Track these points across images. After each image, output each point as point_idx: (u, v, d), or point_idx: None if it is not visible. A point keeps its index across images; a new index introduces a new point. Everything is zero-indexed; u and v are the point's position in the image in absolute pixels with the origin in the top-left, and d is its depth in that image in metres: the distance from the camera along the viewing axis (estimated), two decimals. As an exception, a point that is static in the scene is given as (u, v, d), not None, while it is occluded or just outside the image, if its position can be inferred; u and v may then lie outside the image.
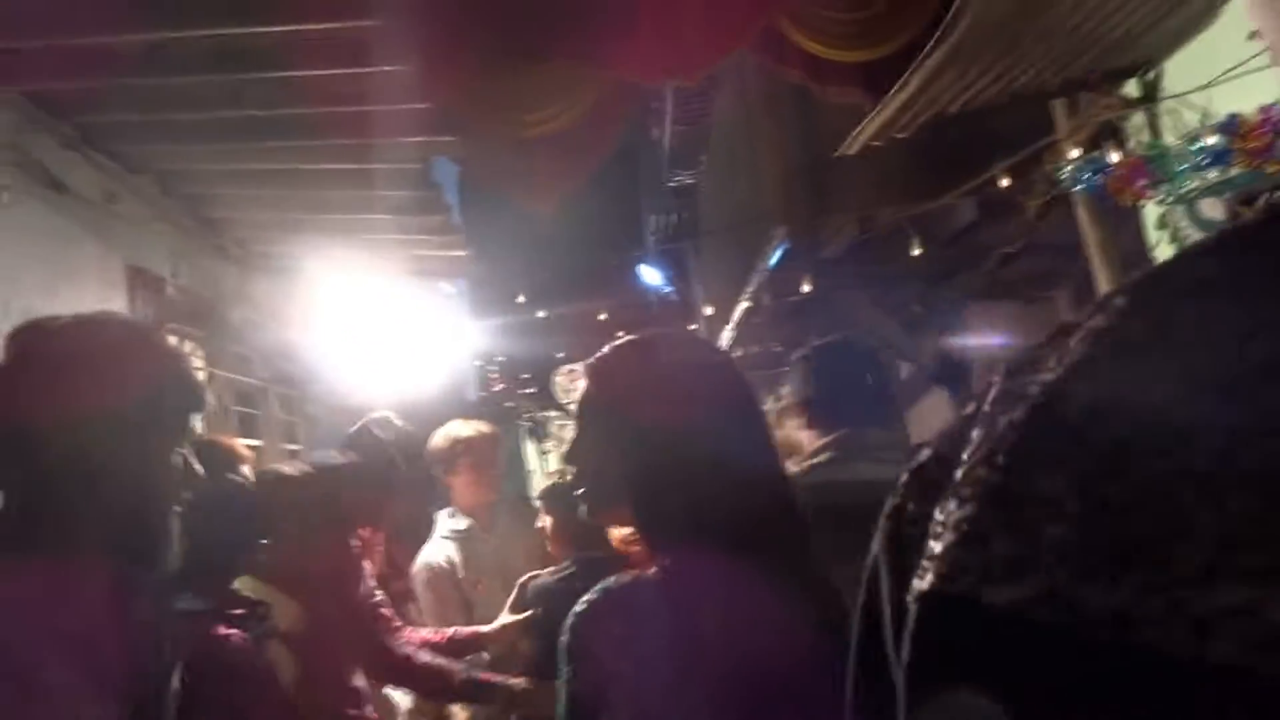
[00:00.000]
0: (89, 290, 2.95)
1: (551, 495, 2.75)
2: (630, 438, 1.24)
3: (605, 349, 1.37)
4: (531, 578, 2.62)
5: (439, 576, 2.87)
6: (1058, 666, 0.26)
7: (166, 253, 3.47)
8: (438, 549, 2.93)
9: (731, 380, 1.33)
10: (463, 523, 2.97)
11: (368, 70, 2.81)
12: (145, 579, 1.34)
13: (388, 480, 2.74)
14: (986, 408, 0.32)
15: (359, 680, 2.51)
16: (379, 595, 2.76)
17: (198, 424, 1.43)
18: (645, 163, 10.68)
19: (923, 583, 0.30)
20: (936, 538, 0.30)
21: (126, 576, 1.29)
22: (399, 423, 2.94)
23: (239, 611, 1.91)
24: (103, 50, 2.34)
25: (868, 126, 3.41)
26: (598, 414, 1.31)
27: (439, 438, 3.00)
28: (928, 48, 2.74)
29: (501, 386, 10.40)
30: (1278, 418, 0.24)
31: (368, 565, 2.87)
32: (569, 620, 1.16)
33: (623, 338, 1.39)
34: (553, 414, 12.99)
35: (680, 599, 1.15)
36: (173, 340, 2.61)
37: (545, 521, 2.77)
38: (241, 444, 2.20)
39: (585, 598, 1.17)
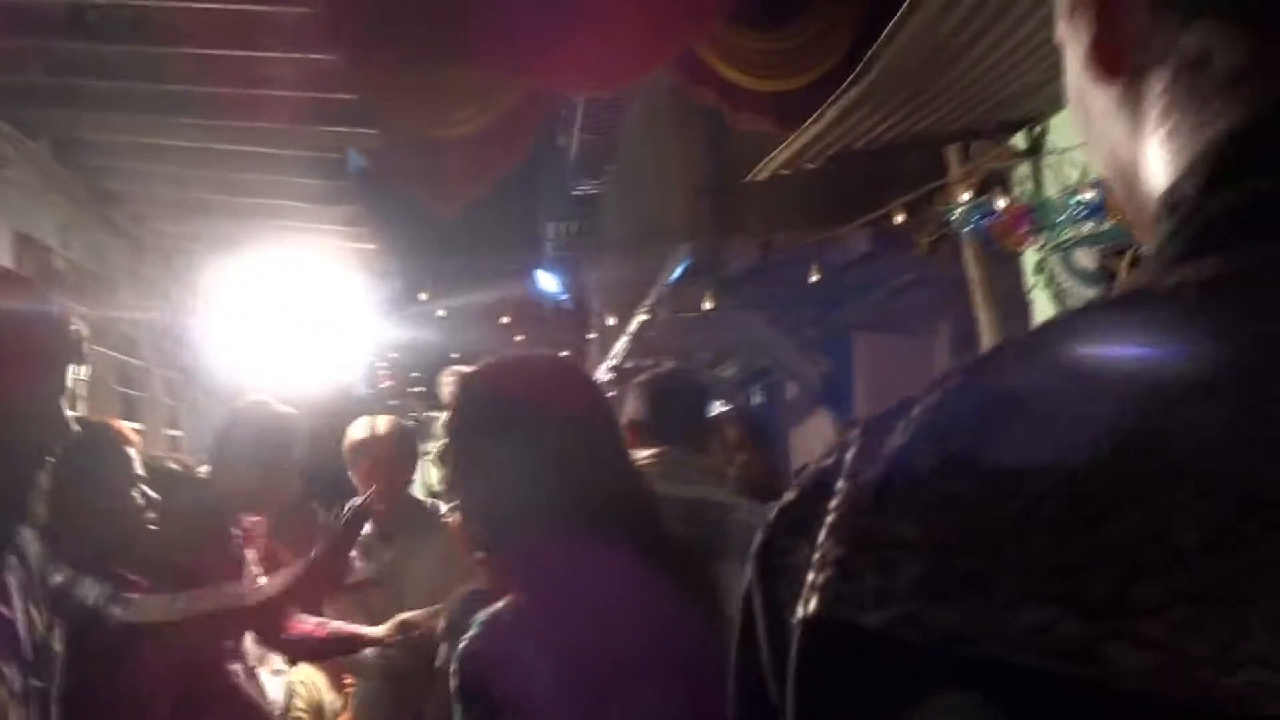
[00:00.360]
0: (-26, 257, 2.82)
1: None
2: (497, 459, 1.28)
3: (471, 370, 1.43)
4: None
5: None
6: (911, 675, 0.33)
7: (57, 223, 3.33)
8: None
9: (594, 401, 1.40)
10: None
11: (290, 56, 2.79)
12: (17, 536, 1.33)
13: (263, 468, 2.68)
14: (849, 461, 0.39)
15: (238, 665, 2.49)
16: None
17: (76, 381, 1.39)
18: (549, 169, 10.71)
19: (807, 609, 0.37)
20: (818, 570, 0.37)
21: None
22: (278, 408, 2.89)
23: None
24: (21, 9, 2.26)
25: (778, 156, 3.55)
26: (467, 439, 1.34)
27: (346, 435, 2.97)
28: (841, 88, 2.89)
29: (389, 383, 10.22)
30: (1064, 485, 0.33)
31: (252, 554, 2.82)
32: (456, 662, 1.20)
33: (489, 359, 1.46)
34: (436, 415, 12.84)
35: (555, 615, 1.21)
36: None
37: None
38: (129, 428, 2.15)
39: (467, 636, 1.21)
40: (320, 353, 5.20)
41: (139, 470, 2.01)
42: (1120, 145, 0.44)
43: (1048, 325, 0.40)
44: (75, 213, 3.46)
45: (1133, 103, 0.42)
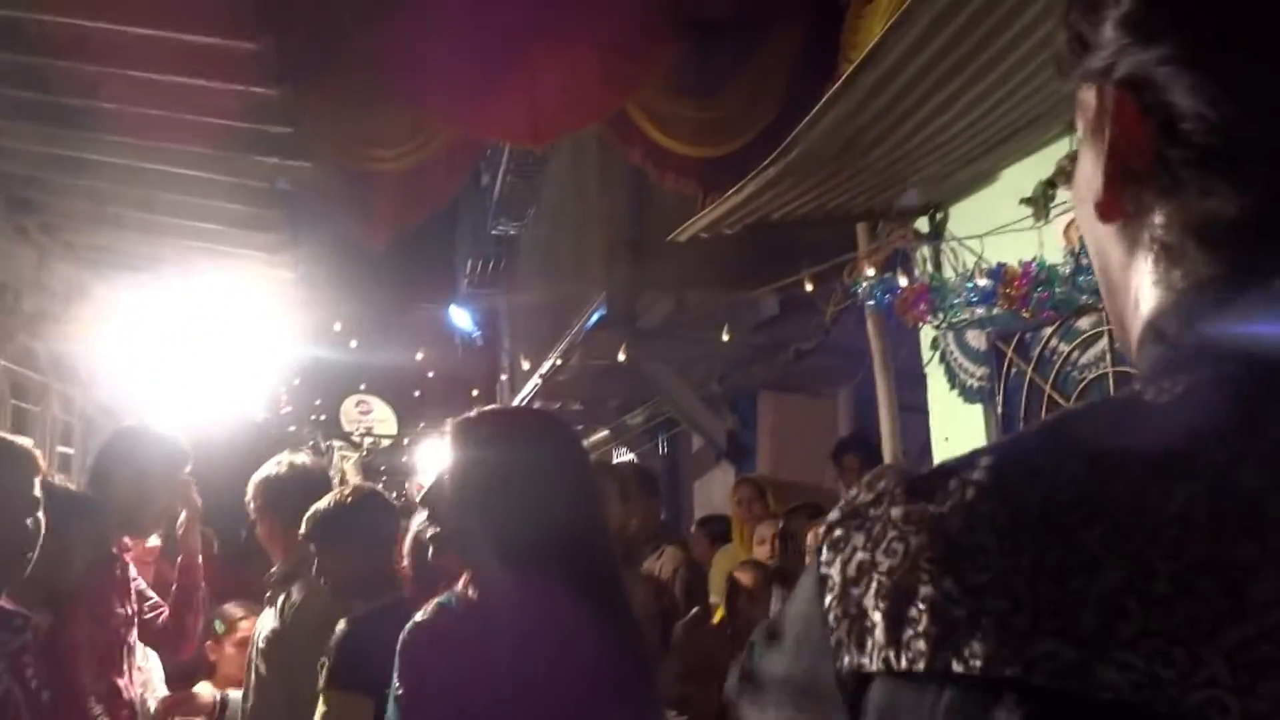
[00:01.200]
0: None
1: None
2: (486, 490, 1.43)
3: (467, 416, 1.59)
4: None
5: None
6: (963, 698, 0.44)
7: (-36, 229, 3.24)
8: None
9: (568, 447, 1.61)
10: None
11: (228, 86, 2.81)
12: None
13: (140, 489, 2.65)
14: (893, 516, 0.48)
15: (116, 685, 2.45)
16: (149, 604, 2.69)
17: None
18: (470, 206, 10.75)
19: (900, 664, 0.46)
20: (895, 624, 0.46)
21: None
22: (159, 431, 2.87)
23: None
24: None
25: (698, 222, 3.71)
26: (459, 469, 1.50)
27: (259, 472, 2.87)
28: (762, 165, 3.06)
29: (288, 409, 10.00)
30: (1066, 542, 0.44)
31: (142, 578, 2.77)
32: (405, 634, 1.33)
33: (477, 408, 1.67)
34: (337, 443, 12.59)
35: (505, 614, 1.37)
36: None
37: None
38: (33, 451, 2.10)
39: (421, 613, 1.35)
40: (225, 377, 5.11)
41: (38, 494, 1.97)
42: (1113, 266, 0.55)
43: (1063, 415, 0.53)
44: (-18, 219, 3.38)
45: (1129, 239, 0.54)
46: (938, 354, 3.92)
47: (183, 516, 2.87)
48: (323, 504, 2.38)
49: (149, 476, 2.66)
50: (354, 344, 7.06)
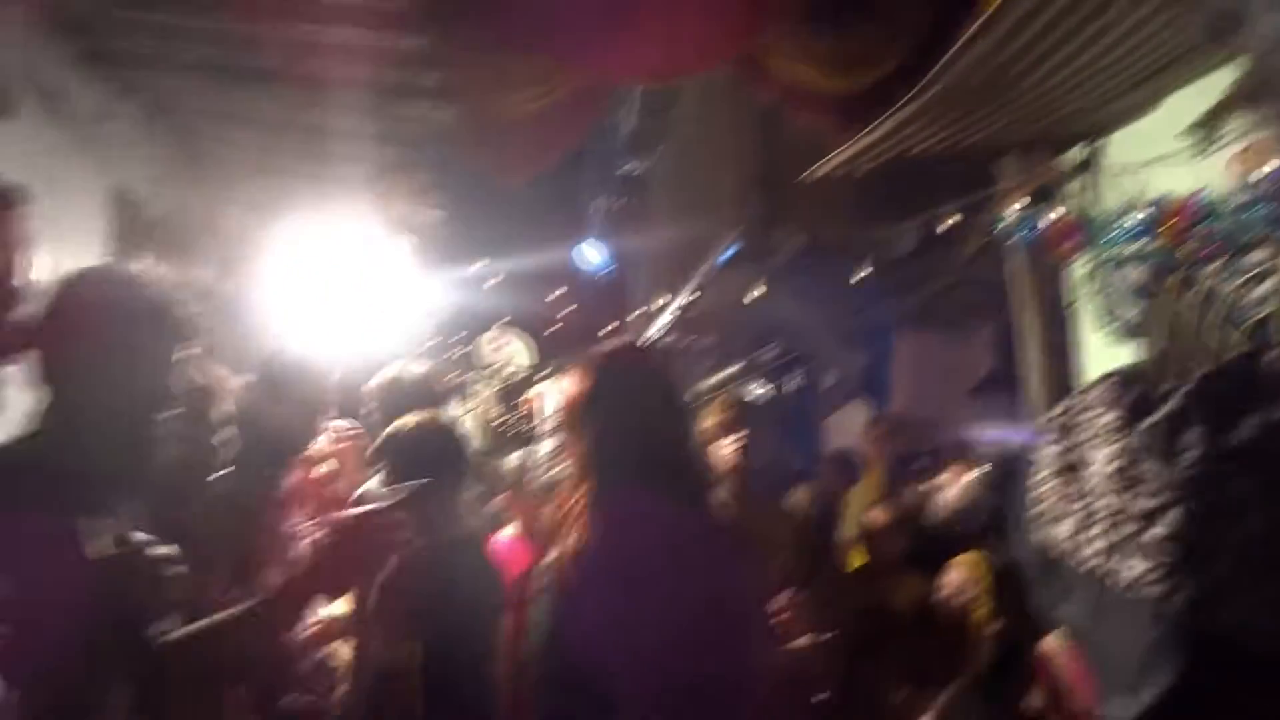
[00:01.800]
0: (75, 207, 3.00)
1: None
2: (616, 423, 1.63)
3: (593, 353, 1.74)
4: None
5: None
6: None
7: (146, 177, 3.51)
8: None
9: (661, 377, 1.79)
10: None
11: (374, 38, 2.93)
12: (117, 512, 1.50)
13: (298, 412, 2.80)
14: (1099, 426, 0.55)
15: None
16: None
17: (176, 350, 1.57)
18: (597, 145, 10.80)
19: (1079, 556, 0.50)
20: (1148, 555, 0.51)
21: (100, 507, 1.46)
22: (317, 357, 3.03)
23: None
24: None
25: (833, 160, 3.64)
26: (590, 405, 1.68)
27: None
28: (901, 102, 2.98)
29: (432, 344, 10.42)
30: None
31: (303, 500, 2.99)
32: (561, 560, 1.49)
33: (604, 343, 1.82)
34: (476, 375, 13.07)
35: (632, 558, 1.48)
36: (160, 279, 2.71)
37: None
38: (223, 380, 2.28)
39: (567, 541, 1.51)
40: (376, 314, 5.38)
41: (227, 412, 2.10)
42: None
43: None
44: (161, 168, 3.64)
45: None
46: (1088, 290, 3.76)
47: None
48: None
49: (309, 396, 2.82)
50: (493, 281, 7.28)
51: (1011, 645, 2.84)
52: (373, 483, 2.81)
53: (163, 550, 1.46)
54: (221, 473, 2.09)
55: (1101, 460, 0.52)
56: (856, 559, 3.78)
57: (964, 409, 5.15)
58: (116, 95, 3.22)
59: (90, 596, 1.31)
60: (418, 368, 2.98)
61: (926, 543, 3.54)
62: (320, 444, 3.18)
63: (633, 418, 1.63)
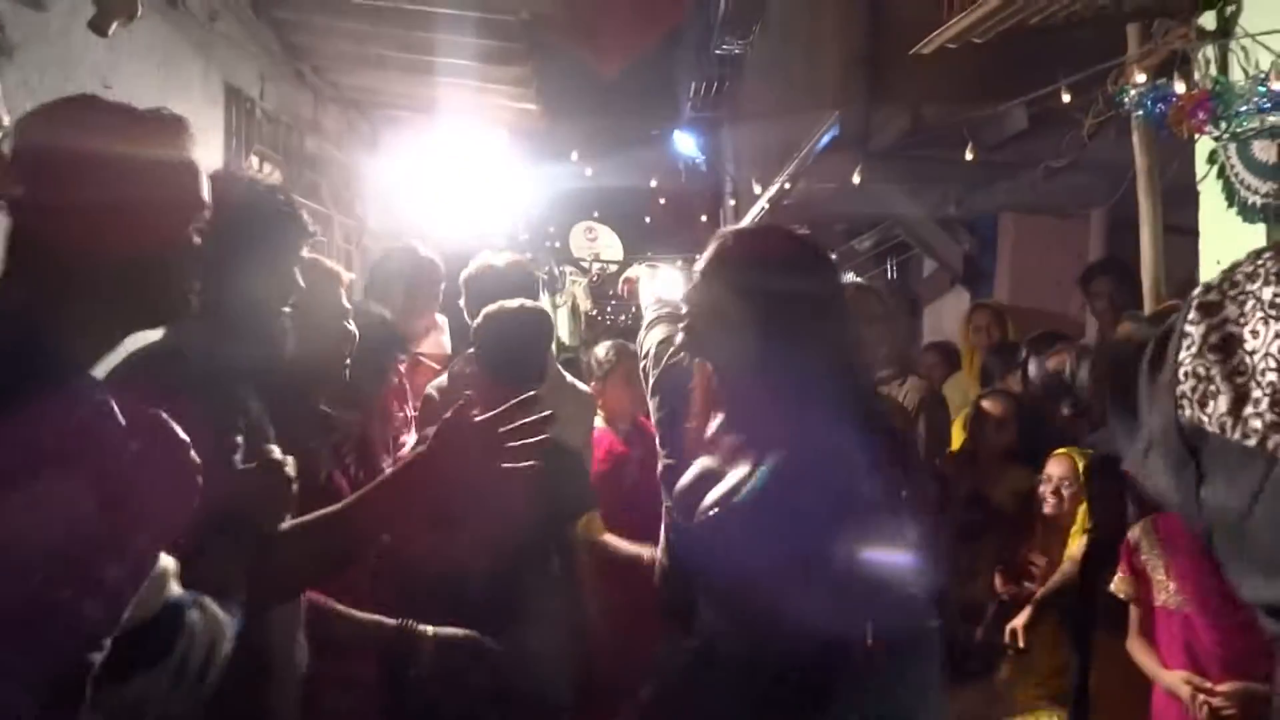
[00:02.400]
0: (194, 105, 3.10)
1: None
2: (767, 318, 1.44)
3: (733, 233, 1.59)
4: None
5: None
6: None
7: (256, 75, 3.59)
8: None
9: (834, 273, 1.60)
10: None
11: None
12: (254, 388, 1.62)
13: (409, 303, 2.91)
14: (1263, 299, 0.55)
15: None
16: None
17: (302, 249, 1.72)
18: (692, 26, 10.49)
19: (1234, 434, 0.54)
20: (1240, 399, 0.55)
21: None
22: (421, 251, 3.10)
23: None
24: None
25: (946, 32, 3.48)
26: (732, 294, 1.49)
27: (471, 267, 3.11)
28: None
29: (525, 236, 10.53)
30: None
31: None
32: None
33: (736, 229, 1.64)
34: (568, 268, 13.18)
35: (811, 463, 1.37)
36: (275, 179, 2.79)
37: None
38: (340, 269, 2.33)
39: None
40: (475, 204, 5.46)
41: (347, 304, 2.16)
42: None
43: None
44: (268, 65, 3.71)
45: None
46: (1214, 168, 3.56)
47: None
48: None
49: (416, 290, 2.93)
50: (589, 172, 7.25)
51: (1106, 540, 2.83)
52: (459, 364, 2.91)
53: (291, 467, 1.52)
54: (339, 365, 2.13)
55: (1267, 337, 0.51)
56: (957, 447, 3.77)
57: (1072, 298, 4.99)
58: (224, -8, 3.27)
59: (223, 501, 1.36)
60: (506, 257, 3.05)
61: (1029, 434, 3.50)
62: (431, 341, 3.30)
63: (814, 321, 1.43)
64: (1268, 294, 0.52)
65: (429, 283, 3.09)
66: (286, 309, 1.66)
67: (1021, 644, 2.87)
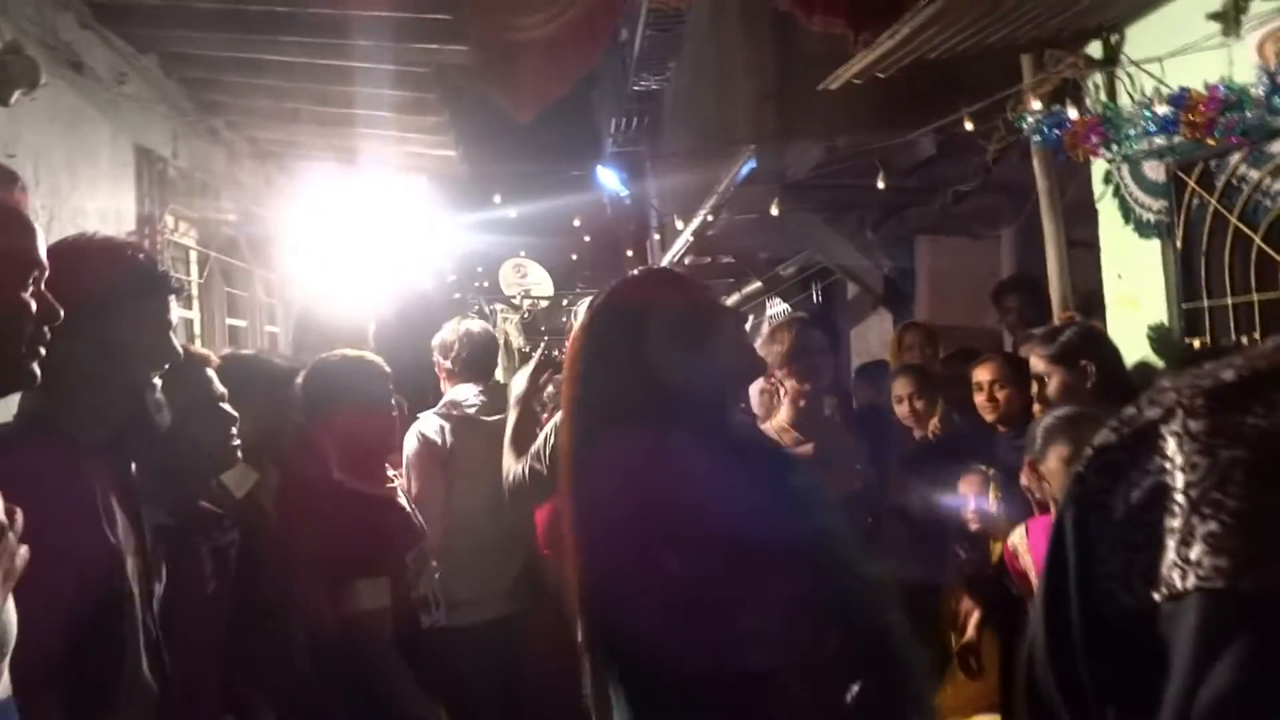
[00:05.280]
0: (102, 168, 3.05)
1: None
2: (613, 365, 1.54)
3: (615, 284, 1.65)
4: None
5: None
6: None
7: (168, 134, 3.54)
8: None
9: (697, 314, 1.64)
10: None
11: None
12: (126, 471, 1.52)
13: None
14: (1191, 431, 0.44)
15: None
16: None
17: (173, 307, 1.59)
18: (609, 64, 10.64)
19: (1185, 582, 0.42)
20: (1183, 543, 0.42)
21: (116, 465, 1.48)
22: (337, 304, 3.15)
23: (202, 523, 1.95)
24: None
25: (851, 68, 3.61)
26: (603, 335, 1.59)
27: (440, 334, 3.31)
28: (921, 3, 2.94)
29: (453, 278, 10.49)
30: None
31: None
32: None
33: (630, 273, 1.71)
34: (499, 306, 13.16)
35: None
36: (137, 243, 2.71)
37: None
38: (205, 351, 2.21)
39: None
40: (397, 251, 5.44)
41: (219, 389, 1.99)
42: None
43: None
44: (181, 124, 3.67)
45: None
46: (1110, 188, 3.74)
47: None
48: None
49: (336, 342, 2.90)
50: (513, 213, 7.29)
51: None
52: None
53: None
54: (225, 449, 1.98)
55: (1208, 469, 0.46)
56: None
57: (988, 313, 5.16)
58: (133, 53, 3.23)
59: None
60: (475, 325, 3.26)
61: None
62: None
63: (622, 357, 1.52)
64: (1198, 426, 0.44)
65: (351, 331, 3.09)
66: (157, 380, 1.53)
67: (977, 666, 2.89)
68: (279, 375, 2.34)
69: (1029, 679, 0.51)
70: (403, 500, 2.46)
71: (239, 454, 2.02)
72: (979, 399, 3.19)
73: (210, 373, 1.99)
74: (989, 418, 3.18)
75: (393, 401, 2.51)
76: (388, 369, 2.49)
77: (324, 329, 2.99)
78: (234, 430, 1.97)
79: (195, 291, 3.86)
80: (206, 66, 3.55)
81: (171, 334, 1.56)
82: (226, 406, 1.98)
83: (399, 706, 2.16)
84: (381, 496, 2.35)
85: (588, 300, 2.95)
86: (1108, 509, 0.46)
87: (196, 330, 3.86)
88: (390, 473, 2.59)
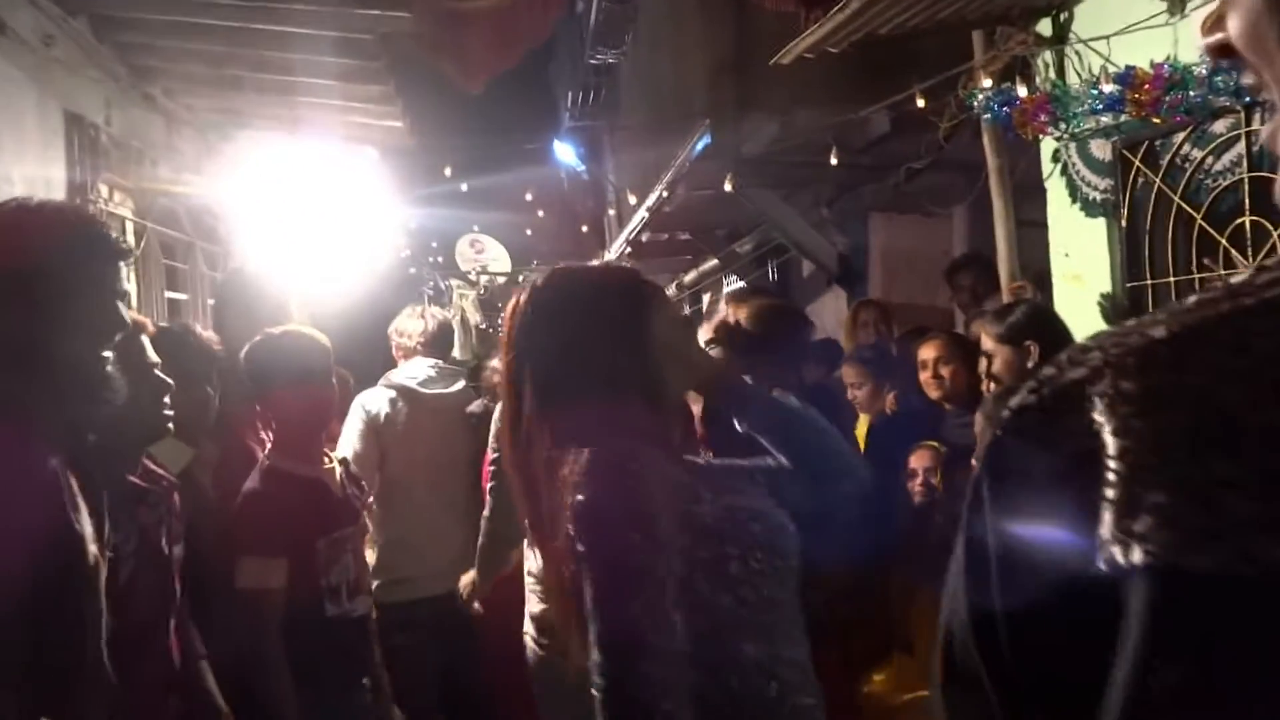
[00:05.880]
0: (29, 134, 2.93)
1: None
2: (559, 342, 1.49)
3: (544, 276, 1.59)
4: None
5: None
6: (1252, 609, 0.36)
7: (100, 100, 3.42)
8: None
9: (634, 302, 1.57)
10: None
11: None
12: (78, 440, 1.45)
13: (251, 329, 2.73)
14: (1123, 391, 0.40)
15: None
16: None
17: (124, 275, 1.52)
18: (567, 36, 10.52)
19: (1130, 556, 0.38)
20: (1125, 514, 0.38)
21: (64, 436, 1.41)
22: (257, 275, 3.08)
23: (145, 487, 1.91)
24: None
25: (802, 42, 3.58)
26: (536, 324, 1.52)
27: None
28: (870, -23, 2.92)
29: (406, 253, 10.36)
30: None
31: None
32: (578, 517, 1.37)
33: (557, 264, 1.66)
34: (454, 282, 13.02)
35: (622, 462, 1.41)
36: (83, 207, 2.63)
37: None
38: (141, 317, 2.14)
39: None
40: (346, 225, 5.33)
41: (153, 356, 1.94)
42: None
43: None
44: (114, 90, 3.54)
45: None
46: (1058, 166, 3.77)
47: None
48: None
49: (255, 317, 2.78)
50: (464, 187, 7.18)
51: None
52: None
53: None
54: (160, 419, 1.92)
55: (1144, 430, 0.43)
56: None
57: (940, 291, 5.19)
58: (61, 15, 3.10)
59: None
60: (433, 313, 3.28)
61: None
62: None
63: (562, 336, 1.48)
64: (1128, 386, 0.40)
65: (269, 306, 2.93)
66: (108, 353, 1.44)
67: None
68: (211, 350, 2.28)
69: (946, 658, 0.48)
70: (336, 483, 2.39)
71: (170, 425, 1.97)
72: (924, 376, 3.20)
73: (145, 339, 1.93)
74: (934, 395, 3.20)
75: (333, 379, 2.45)
76: (327, 344, 2.43)
77: (246, 302, 2.87)
78: (166, 400, 1.91)
79: (131, 263, 3.74)
80: (141, 30, 3.43)
81: (121, 304, 1.48)
82: (160, 374, 1.92)
83: (260, 694, 2.09)
84: (303, 476, 2.28)
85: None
86: (1026, 474, 0.42)
87: (134, 303, 3.74)
88: (333, 454, 2.52)
